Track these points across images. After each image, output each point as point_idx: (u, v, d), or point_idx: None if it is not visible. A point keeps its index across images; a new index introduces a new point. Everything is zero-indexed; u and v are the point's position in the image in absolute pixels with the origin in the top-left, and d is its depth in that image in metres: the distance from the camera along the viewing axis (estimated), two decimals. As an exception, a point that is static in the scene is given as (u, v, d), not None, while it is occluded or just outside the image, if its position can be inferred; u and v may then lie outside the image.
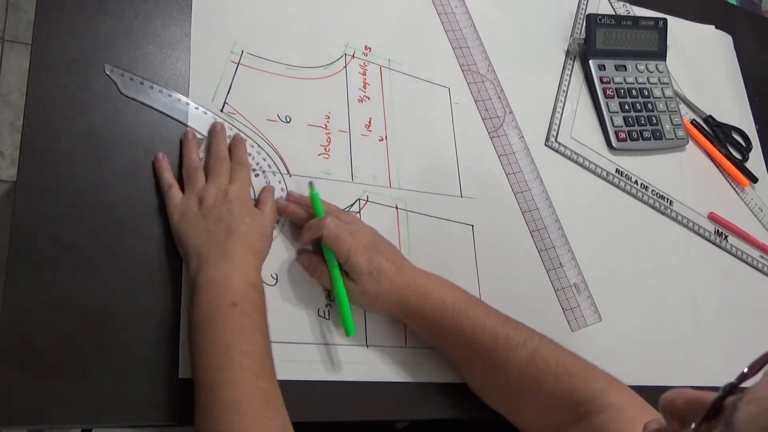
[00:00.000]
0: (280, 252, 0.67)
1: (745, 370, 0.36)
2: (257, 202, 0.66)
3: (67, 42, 0.65)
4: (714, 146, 0.99)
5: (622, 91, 0.94)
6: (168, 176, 0.64)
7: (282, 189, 0.69)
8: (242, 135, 0.69)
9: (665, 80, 0.97)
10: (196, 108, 0.68)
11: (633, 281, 0.84)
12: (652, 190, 0.91)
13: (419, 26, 0.86)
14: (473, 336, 0.63)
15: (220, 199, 0.62)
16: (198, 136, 0.67)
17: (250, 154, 0.69)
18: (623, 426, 0.56)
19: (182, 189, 0.64)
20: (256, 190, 0.68)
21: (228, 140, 0.68)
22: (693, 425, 0.36)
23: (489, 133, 0.84)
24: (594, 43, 0.93)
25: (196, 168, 0.65)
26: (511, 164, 0.83)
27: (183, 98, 0.68)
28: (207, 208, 0.61)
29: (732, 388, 0.35)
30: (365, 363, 0.66)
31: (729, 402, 0.34)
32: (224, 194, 0.62)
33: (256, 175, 0.69)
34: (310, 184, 0.68)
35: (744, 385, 0.35)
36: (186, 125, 0.67)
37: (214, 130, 0.67)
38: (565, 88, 0.92)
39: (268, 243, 0.64)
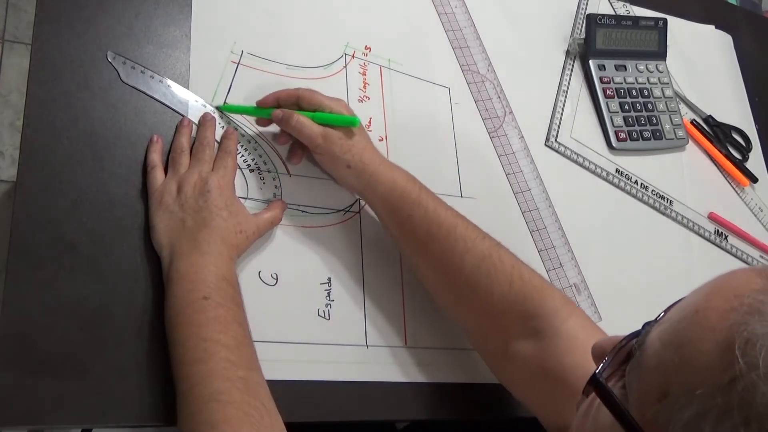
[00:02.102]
0: (280, 252, 0.66)
1: (662, 314, 0.38)
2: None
3: (67, 42, 0.65)
4: (714, 146, 0.99)
5: (622, 91, 0.94)
6: (154, 157, 0.64)
7: (276, 186, 0.69)
8: (244, 135, 0.69)
9: (665, 80, 0.97)
10: (196, 101, 0.69)
11: (633, 281, 0.84)
12: (652, 190, 0.91)
13: (419, 26, 0.86)
14: (436, 218, 0.64)
15: (199, 188, 0.61)
16: (194, 125, 0.67)
17: (246, 150, 0.69)
18: (577, 358, 0.55)
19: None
20: (250, 186, 0.68)
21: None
22: (607, 357, 0.39)
23: (489, 133, 0.84)
24: (594, 43, 0.93)
25: (182, 151, 0.64)
26: (511, 164, 0.83)
27: (183, 91, 0.68)
28: (184, 197, 0.61)
29: (650, 325, 0.38)
30: (365, 363, 0.65)
31: (644, 332, 0.38)
32: (204, 183, 0.62)
33: (251, 171, 0.68)
34: (218, 107, 0.69)
35: None
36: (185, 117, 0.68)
37: (203, 118, 0.67)
38: (565, 88, 0.92)
39: (245, 238, 0.62)
